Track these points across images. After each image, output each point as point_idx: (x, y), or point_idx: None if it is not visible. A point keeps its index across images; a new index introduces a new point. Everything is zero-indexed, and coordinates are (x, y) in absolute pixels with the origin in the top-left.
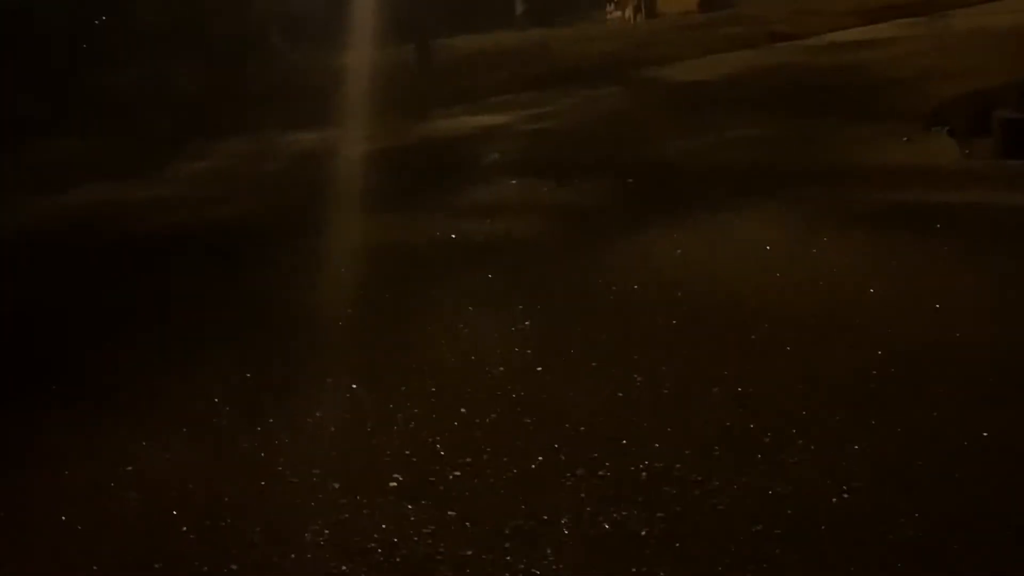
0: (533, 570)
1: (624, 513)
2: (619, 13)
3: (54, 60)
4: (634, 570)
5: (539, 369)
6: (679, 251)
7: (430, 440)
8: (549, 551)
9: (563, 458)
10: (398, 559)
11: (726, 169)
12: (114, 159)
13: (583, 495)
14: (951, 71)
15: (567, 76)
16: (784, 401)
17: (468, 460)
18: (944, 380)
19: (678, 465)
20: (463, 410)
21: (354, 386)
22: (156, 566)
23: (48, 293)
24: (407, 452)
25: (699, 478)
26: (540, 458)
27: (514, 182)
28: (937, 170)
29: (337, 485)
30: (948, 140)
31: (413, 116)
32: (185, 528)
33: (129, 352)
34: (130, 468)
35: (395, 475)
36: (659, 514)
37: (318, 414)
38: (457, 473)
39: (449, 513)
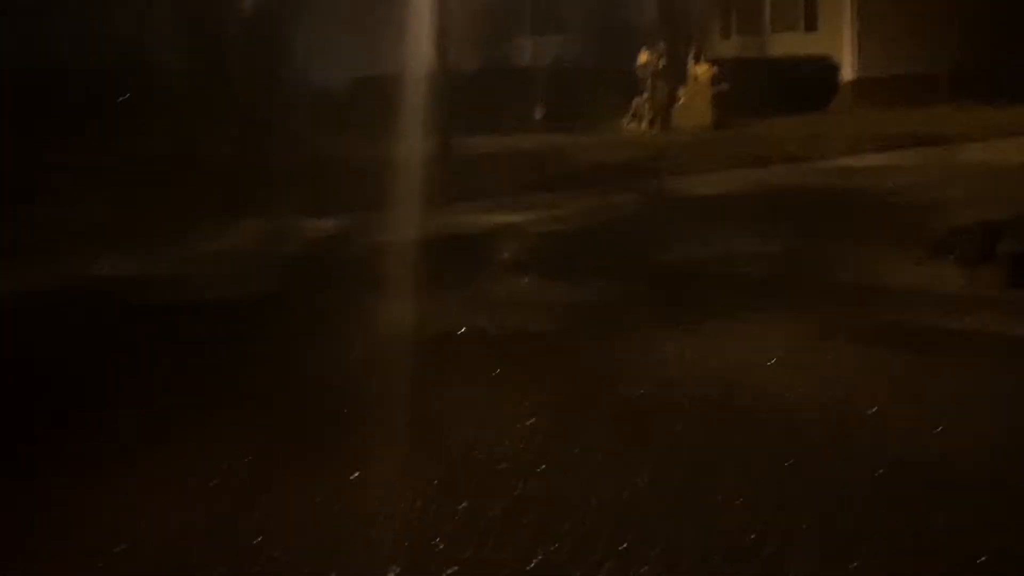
0: None
1: None
2: (636, 124)
3: (77, 127)
4: None
5: (543, 466)
6: (687, 356)
7: (430, 532)
8: None
9: (563, 558)
10: None
11: (736, 280)
12: (132, 231)
13: None
14: (960, 201)
15: (582, 181)
16: (785, 512)
17: (467, 555)
18: (943, 499)
19: (678, 571)
20: (464, 504)
21: (356, 473)
22: None
23: (48, 361)
24: (406, 543)
25: None
26: (540, 556)
27: (526, 280)
28: (943, 296)
29: (333, 575)
30: (954, 268)
31: (430, 210)
32: None
33: (125, 426)
34: (123, 546)
35: (392, 566)
36: None
37: (317, 499)
38: (455, 568)
39: None
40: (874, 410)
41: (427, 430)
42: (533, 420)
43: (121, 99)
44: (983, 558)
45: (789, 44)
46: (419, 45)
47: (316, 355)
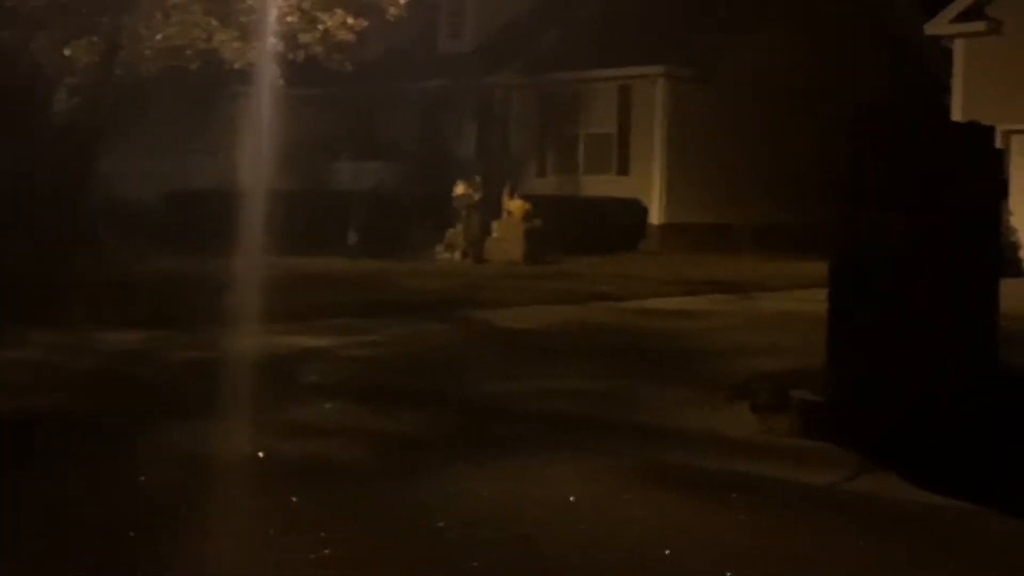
0: None
1: None
2: (448, 255)
3: None
4: None
5: None
6: (488, 492)
7: None
8: None
9: None
10: None
11: (544, 416)
12: None
13: None
14: (758, 347)
15: (395, 308)
16: None
17: None
18: None
19: None
20: None
21: None
22: None
23: None
24: None
25: None
26: None
27: (330, 405)
28: (738, 442)
29: None
30: (750, 414)
31: (238, 329)
32: None
33: None
34: None
35: None
36: None
37: None
38: None
39: None
40: (667, 553)
41: (212, 558)
42: (327, 551)
43: None
44: None
45: (602, 186)
46: (234, 163)
47: (108, 475)
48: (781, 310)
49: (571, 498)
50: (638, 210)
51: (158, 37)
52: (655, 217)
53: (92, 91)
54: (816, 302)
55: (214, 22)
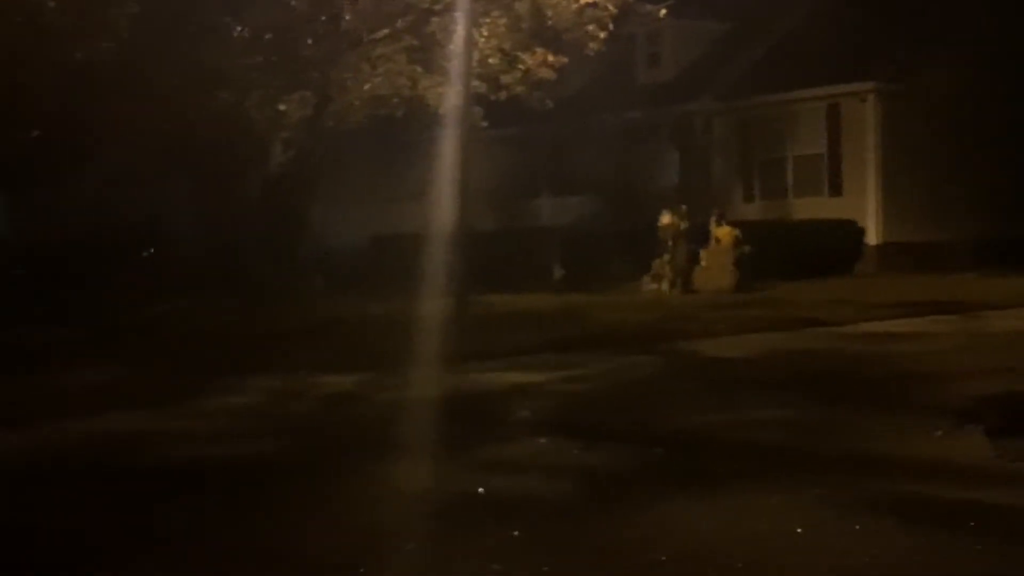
0: None
1: None
2: (655, 286)
3: (90, 288)
4: None
5: None
6: (705, 525)
7: None
8: None
9: None
10: None
11: (754, 448)
12: (143, 389)
13: None
14: (984, 369)
15: (600, 342)
16: None
17: None
18: None
19: None
20: None
21: None
22: None
23: (50, 518)
24: None
25: None
26: None
27: (543, 441)
28: (970, 468)
29: None
30: (981, 438)
31: (447, 368)
32: None
33: None
34: None
35: None
36: None
37: None
38: None
39: None
40: None
41: None
42: None
43: (133, 258)
44: None
45: (813, 208)
46: (436, 205)
47: (331, 514)
48: (1008, 329)
49: (796, 530)
50: (853, 231)
51: (365, 87)
52: (872, 237)
53: (304, 144)
54: None
55: (418, 69)
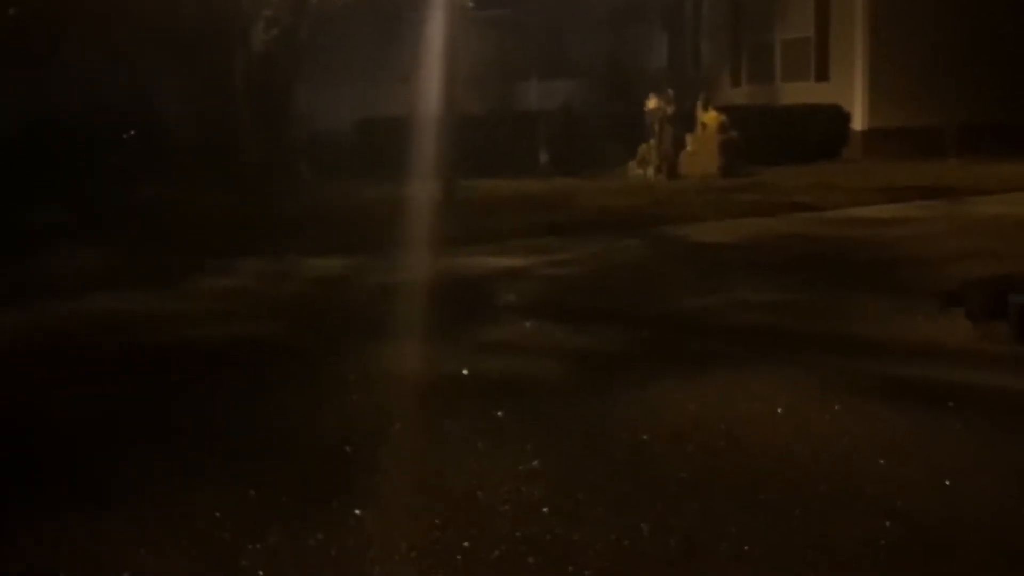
0: None
1: None
2: (641, 171)
3: (82, 171)
4: None
5: (545, 510)
6: (692, 406)
7: (431, 573)
8: None
9: None
10: None
11: (741, 329)
12: (134, 271)
13: None
14: (969, 253)
15: (587, 226)
16: (789, 564)
17: None
18: (950, 556)
19: None
20: (466, 544)
21: (357, 511)
22: None
23: (50, 399)
24: None
25: None
26: None
27: (529, 324)
28: (952, 350)
29: None
30: (964, 321)
31: (434, 252)
32: None
33: (131, 464)
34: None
35: None
36: None
37: (320, 536)
38: None
39: None
40: (881, 463)
41: (430, 472)
42: (536, 463)
43: (122, 141)
44: None
45: (800, 93)
46: (424, 88)
47: (320, 394)
48: (992, 214)
49: (778, 410)
50: (839, 116)
51: None
52: (858, 123)
53: (288, 22)
54: None
55: None
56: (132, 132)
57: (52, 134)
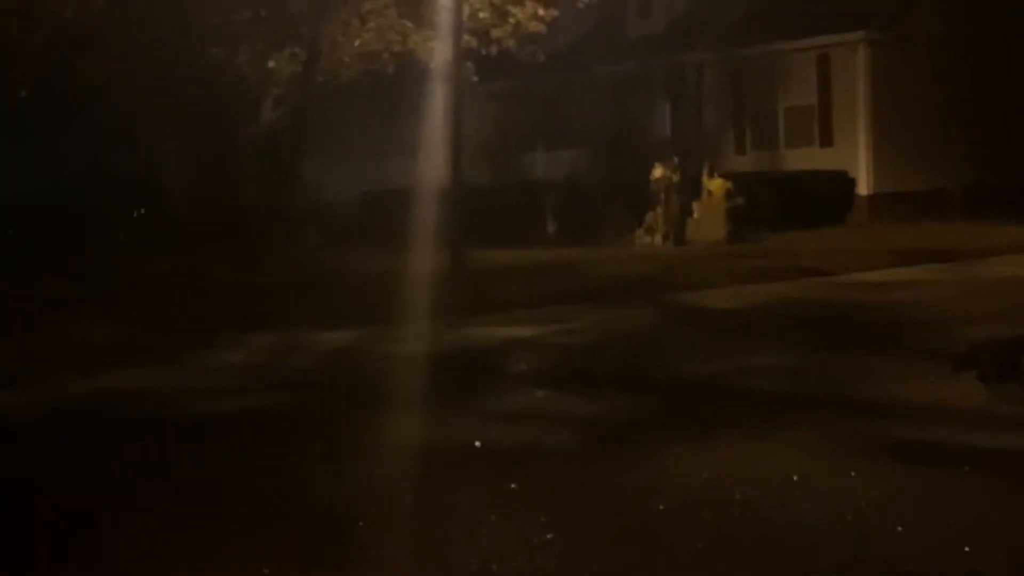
0: None
1: None
2: (648, 239)
3: (90, 245)
4: None
5: None
6: (705, 473)
7: None
8: None
9: None
10: None
11: (753, 395)
12: (145, 346)
13: None
14: (979, 315)
15: (596, 294)
16: None
17: None
18: None
19: None
20: None
21: None
22: None
23: (58, 474)
24: None
25: None
26: None
27: (541, 393)
28: (966, 412)
29: None
30: (976, 383)
31: (444, 323)
32: None
33: (137, 538)
34: None
35: None
36: None
37: None
38: None
39: None
40: (899, 529)
41: (443, 545)
42: (550, 535)
43: (133, 215)
44: None
45: (804, 159)
46: (430, 160)
47: (332, 467)
48: (1000, 276)
49: (794, 476)
50: (844, 182)
51: (356, 43)
52: (863, 188)
53: (295, 99)
54: None
55: (408, 24)
56: (142, 210)
57: (61, 208)
